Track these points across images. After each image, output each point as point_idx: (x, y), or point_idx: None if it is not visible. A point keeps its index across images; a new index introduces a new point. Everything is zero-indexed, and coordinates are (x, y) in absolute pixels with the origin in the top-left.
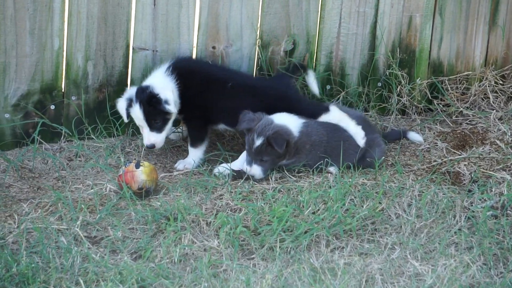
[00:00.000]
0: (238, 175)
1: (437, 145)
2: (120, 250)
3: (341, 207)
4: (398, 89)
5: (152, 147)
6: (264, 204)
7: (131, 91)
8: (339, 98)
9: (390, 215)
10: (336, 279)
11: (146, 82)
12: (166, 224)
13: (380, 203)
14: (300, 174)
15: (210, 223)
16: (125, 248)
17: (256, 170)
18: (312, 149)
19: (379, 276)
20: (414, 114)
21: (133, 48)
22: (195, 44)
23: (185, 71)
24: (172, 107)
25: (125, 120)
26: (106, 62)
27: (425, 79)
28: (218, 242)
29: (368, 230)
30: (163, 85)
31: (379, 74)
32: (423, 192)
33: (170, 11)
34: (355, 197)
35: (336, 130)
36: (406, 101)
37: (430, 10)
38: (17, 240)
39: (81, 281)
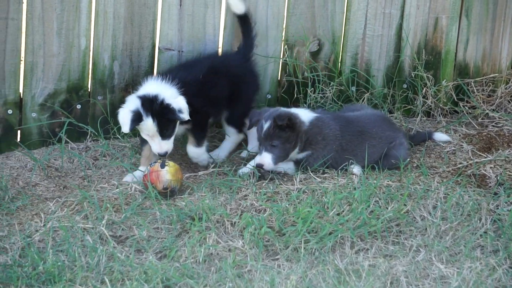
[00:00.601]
0: (262, 176)
1: (462, 148)
2: (145, 250)
3: (366, 208)
4: (424, 91)
5: (165, 154)
6: (288, 205)
7: (133, 101)
8: (363, 99)
9: (415, 217)
10: (361, 281)
11: (147, 91)
12: (191, 224)
13: (405, 205)
14: (324, 175)
15: (234, 223)
16: (150, 247)
17: (266, 158)
18: (326, 143)
19: (403, 278)
20: (440, 116)
21: (159, 48)
22: (220, 45)
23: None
24: (186, 115)
25: (126, 131)
26: (132, 62)
27: (450, 81)
28: (243, 243)
29: (393, 232)
30: (171, 93)
31: (404, 75)
32: (449, 195)
33: (196, 12)
34: (380, 199)
35: (350, 124)
36: (432, 103)
37: (456, 12)
38: (43, 238)
39: (107, 280)
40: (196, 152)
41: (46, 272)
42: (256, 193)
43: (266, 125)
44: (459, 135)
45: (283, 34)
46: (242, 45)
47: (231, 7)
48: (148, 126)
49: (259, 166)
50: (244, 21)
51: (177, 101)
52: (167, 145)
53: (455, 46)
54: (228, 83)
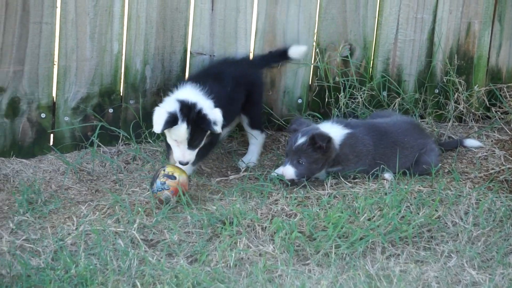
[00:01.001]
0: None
1: (494, 153)
2: (176, 254)
3: (397, 214)
4: (456, 96)
5: (186, 164)
6: (319, 209)
7: (172, 103)
8: (395, 104)
9: (446, 223)
10: (392, 286)
11: (186, 97)
12: (222, 228)
13: (436, 210)
14: (355, 181)
15: (265, 228)
16: (181, 251)
17: (288, 171)
18: (358, 160)
19: (435, 284)
20: (472, 121)
21: (190, 53)
22: (251, 49)
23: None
24: (219, 128)
25: (158, 131)
26: (164, 67)
27: (483, 86)
28: (273, 247)
29: (424, 237)
30: (209, 104)
31: (436, 80)
32: (481, 200)
33: (228, 16)
34: (411, 204)
35: (383, 135)
36: (464, 108)
37: (489, 17)
38: (75, 241)
39: (138, 284)
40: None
41: (78, 275)
42: (287, 197)
43: (300, 140)
44: (491, 141)
45: (315, 38)
46: (260, 56)
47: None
48: (181, 131)
49: (280, 177)
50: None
51: (214, 112)
52: (190, 155)
53: (487, 51)
54: (246, 92)
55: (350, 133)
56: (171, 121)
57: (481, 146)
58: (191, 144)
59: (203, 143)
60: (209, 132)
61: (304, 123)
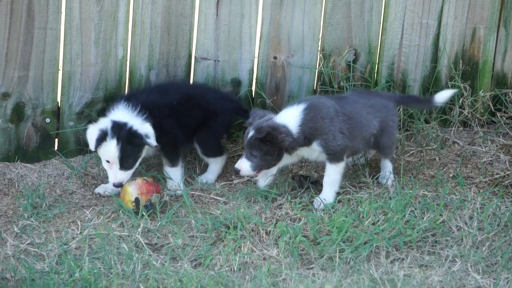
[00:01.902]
0: (299, 184)
1: (500, 158)
2: (180, 258)
3: (402, 218)
4: (461, 101)
5: (119, 185)
6: (323, 214)
7: (104, 122)
8: (399, 109)
9: (451, 228)
10: None
11: (115, 118)
12: (226, 232)
13: (441, 215)
14: (360, 185)
15: (269, 232)
16: (185, 255)
17: (244, 165)
18: (331, 124)
19: None
20: (477, 126)
21: (195, 58)
22: (256, 55)
23: (147, 104)
24: (153, 141)
25: (92, 149)
26: (169, 72)
27: (488, 91)
28: (278, 251)
29: (429, 242)
30: (138, 120)
31: (441, 86)
32: (485, 205)
33: (233, 22)
34: (415, 209)
35: (344, 100)
36: (468, 113)
37: (495, 22)
38: (80, 246)
39: None
40: (170, 171)
41: (83, 279)
42: (291, 202)
43: (250, 134)
44: (496, 146)
45: (319, 43)
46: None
47: None
48: (110, 148)
49: (237, 171)
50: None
51: (144, 127)
52: (122, 175)
53: (493, 57)
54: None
55: (308, 107)
56: (101, 138)
57: (454, 92)
58: (123, 165)
59: (137, 164)
60: (141, 153)
61: (258, 115)
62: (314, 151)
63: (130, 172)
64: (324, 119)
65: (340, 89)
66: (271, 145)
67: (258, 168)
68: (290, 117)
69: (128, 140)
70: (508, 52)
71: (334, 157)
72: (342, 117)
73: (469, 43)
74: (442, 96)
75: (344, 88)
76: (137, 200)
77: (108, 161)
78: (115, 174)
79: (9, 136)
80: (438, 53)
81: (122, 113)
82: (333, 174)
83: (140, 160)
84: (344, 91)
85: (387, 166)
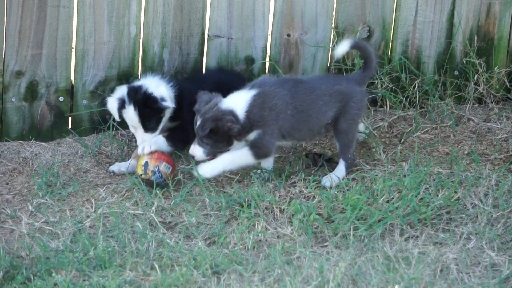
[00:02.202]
0: (313, 162)
1: None
2: (194, 236)
3: (416, 196)
4: (475, 77)
5: (147, 150)
6: (337, 192)
7: (120, 90)
8: (414, 86)
9: (466, 205)
10: (410, 268)
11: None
12: (240, 210)
13: (455, 192)
14: (374, 162)
15: (283, 210)
16: (199, 234)
17: (197, 151)
18: (277, 115)
19: (454, 266)
20: (492, 103)
21: (208, 36)
22: (269, 32)
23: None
24: (169, 103)
25: (118, 119)
26: (182, 49)
27: (503, 68)
28: (292, 229)
29: (443, 219)
30: (157, 83)
31: (456, 62)
32: (500, 182)
33: None
34: (430, 186)
35: (299, 83)
36: (484, 90)
37: None
38: (94, 224)
39: (156, 266)
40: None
41: (97, 257)
42: (305, 180)
43: (197, 123)
44: None
45: (333, 21)
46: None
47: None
48: (130, 114)
49: (192, 156)
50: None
51: (159, 89)
52: (149, 138)
53: (508, 32)
54: None
55: (258, 93)
56: (121, 107)
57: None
58: (147, 128)
59: (161, 125)
60: (163, 114)
61: (204, 101)
62: (250, 138)
63: (155, 134)
64: (272, 110)
65: (353, 66)
66: (220, 134)
67: (211, 154)
68: (238, 102)
69: (145, 104)
70: None
71: (256, 150)
72: (291, 110)
73: (484, 18)
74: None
75: (357, 66)
76: (146, 164)
77: (133, 126)
78: (142, 137)
79: (23, 115)
80: (453, 29)
81: (146, 80)
82: (233, 158)
83: (164, 120)
84: (357, 69)
85: (339, 169)
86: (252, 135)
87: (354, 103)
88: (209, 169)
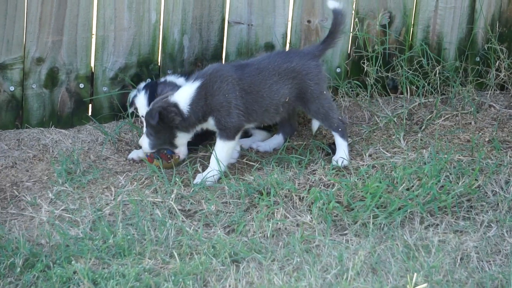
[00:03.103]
0: (332, 151)
1: None
2: (213, 224)
3: (436, 183)
4: (497, 63)
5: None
6: (357, 180)
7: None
8: (435, 72)
9: (486, 192)
10: (430, 257)
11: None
12: (259, 198)
13: (476, 180)
14: (394, 150)
15: (302, 198)
16: (218, 222)
17: (144, 141)
18: (226, 93)
19: (474, 254)
20: None
21: (228, 22)
22: (290, 18)
23: None
24: None
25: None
26: (202, 36)
27: None
28: (311, 217)
29: (464, 207)
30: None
31: (477, 48)
32: None
33: None
34: (450, 174)
35: (246, 66)
36: (505, 76)
37: None
38: (113, 212)
39: (175, 254)
40: None
41: (116, 245)
42: (325, 168)
43: (147, 111)
44: None
45: (354, 6)
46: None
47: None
48: (140, 100)
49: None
50: None
51: (178, 80)
52: None
53: None
54: None
55: (201, 85)
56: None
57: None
58: None
59: None
60: None
61: (163, 92)
62: (211, 125)
63: None
64: (216, 95)
65: (374, 52)
66: (163, 124)
67: (155, 146)
68: (183, 95)
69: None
70: None
71: (225, 133)
72: (239, 92)
73: (506, 4)
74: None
75: (379, 52)
76: None
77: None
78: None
79: (44, 102)
80: (474, 15)
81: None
82: (220, 152)
83: None
84: (378, 55)
85: (340, 145)
86: (210, 122)
87: (310, 80)
88: (209, 177)
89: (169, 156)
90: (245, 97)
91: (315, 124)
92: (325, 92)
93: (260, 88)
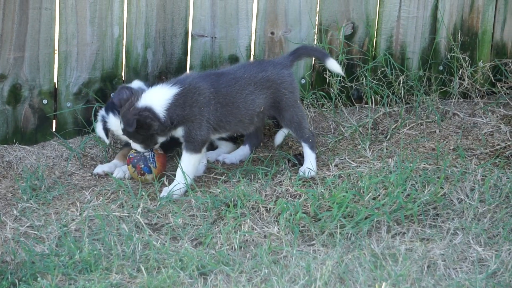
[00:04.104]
0: (298, 161)
1: (500, 129)
2: (180, 237)
3: (402, 192)
4: (460, 72)
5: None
6: (324, 190)
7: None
8: (399, 82)
9: (452, 200)
10: (397, 265)
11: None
12: (226, 210)
13: (442, 188)
14: (360, 159)
15: (270, 209)
16: (186, 235)
17: (136, 147)
18: (200, 107)
19: (441, 262)
20: (477, 97)
21: (192, 35)
22: (253, 30)
23: None
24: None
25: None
26: (165, 50)
27: (488, 62)
28: (278, 229)
29: (430, 215)
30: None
31: (440, 57)
32: (486, 177)
33: None
34: (416, 182)
35: (221, 76)
36: (468, 84)
37: None
38: (79, 227)
39: (143, 268)
40: None
41: (83, 261)
42: (291, 178)
43: (122, 126)
44: (497, 116)
45: (316, 18)
46: None
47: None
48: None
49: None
50: None
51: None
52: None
53: (492, 26)
54: None
55: (180, 92)
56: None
57: (340, 73)
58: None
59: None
60: None
61: (124, 98)
62: (178, 134)
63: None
64: (193, 107)
65: (338, 63)
66: (143, 131)
67: (148, 147)
68: (158, 99)
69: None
70: (508, 21)
71: (191, 145)
72: (214, 105)
73: (467, 13)
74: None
75: (341, 63)
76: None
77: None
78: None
79: (7, 118)
80: (436, 24)
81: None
82: (186, 165)
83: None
84: (342, 66)
85: (308, 155)
86: (179, 131)
87: (285, 89)
88: (175, 190)
89: (142, 172)
90: (220, 110)
91: (279, 137)
92: (298, 101)
93: (235, 100)
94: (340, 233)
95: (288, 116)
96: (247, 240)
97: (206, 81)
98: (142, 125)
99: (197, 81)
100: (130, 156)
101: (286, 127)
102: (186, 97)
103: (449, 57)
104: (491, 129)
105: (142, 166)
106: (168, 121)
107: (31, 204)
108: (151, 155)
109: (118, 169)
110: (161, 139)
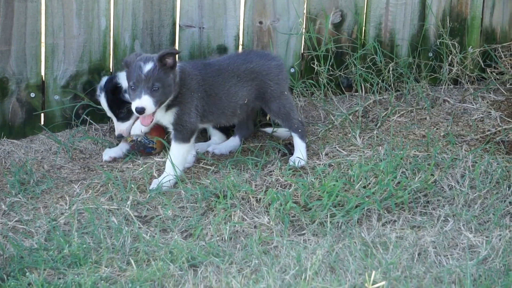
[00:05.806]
0: (289, 151)
1: (490, 115)
2: (170, 229)
3: (392, 180)
4: (450, 58)
5: (120, 137)
6: (314, 179)
7: (103, 80)
8: (388, 69)
9: (442, 187)
10: (388, 253)
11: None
12: (216, 201)
13: (432, 175)
14: (350, 148)
15: (260, 199)
16: (176, 227)
17: (147, 102)
18: (191, 93)
19: (432, 249)
20: (467, 83)
21: (179, 26)
22: (241, 20)
23: None
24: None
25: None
26: (153, 41)
27: (477, 48)
28: (268, 219)
29: (421, 202)
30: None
31: (429, 44)
32: (477, 163)
33: None
34: (406, 170)
35: (208, 66)
36: (458, 70)
37: None
38: (68, 221)
39: (132, 261)
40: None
41: (72, 255)
42: (281, 168)
43: (147, 66)
44: (487, 102)
45: (305, 6)
46: None
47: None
48: (102, 101)
49: (140, 111)
50: None
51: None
52: (120, 127)
53: (481, 12)
54: None
55: (181, 66)
56: (98, 96)
57: None
58: (118, 117)
59: (134, 117)
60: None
61: (135, 55)
62: (166, 120)
63: (128, 124)
64: (188, 89)
65: (327, 52)
66: (173, 73)
67: (158, 103)
68: None
69: (112, 93)
70: (496, 6)
71: (180, 135)
72: (201, 93)
73: None
74: None
75: (330, 51)
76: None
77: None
78: (116, 127)
79: None
80: (425, 10)
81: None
82: (175, 156)
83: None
84: (330, 54)
85: (298, 145)
86: (169, 114)
87: (270, 80)
88: (165, 182)
89: (147, 152)
90: (205, 99)
91: (284, 133)
92: (286, 93)
93: (219, 90)
94: (330, 222)
95: (275, 108)
96: (237, 231)
97: (195, 68)
98: (175, 64)
99: (189, 66)
100: (131, 145)
101: (274, 118)
102: (184, 76)
103: (438, 44)
104: (481, 115)
105: (144, 149)
106: (178, 79)
107: (20, 198)
108: (145, 139)
109: (107, 150)
110: (170, 95)
